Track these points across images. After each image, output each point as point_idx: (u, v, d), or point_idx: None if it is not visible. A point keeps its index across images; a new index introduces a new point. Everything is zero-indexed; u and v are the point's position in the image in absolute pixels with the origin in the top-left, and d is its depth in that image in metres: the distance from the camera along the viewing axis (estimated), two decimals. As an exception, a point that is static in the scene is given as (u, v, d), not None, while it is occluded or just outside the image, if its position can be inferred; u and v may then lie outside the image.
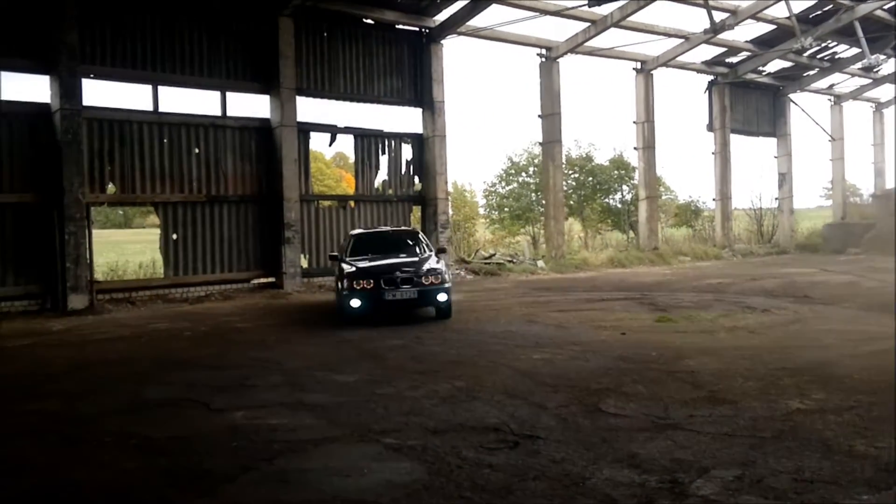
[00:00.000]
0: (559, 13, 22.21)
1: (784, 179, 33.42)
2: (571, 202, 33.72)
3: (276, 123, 18.77)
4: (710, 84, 30.42)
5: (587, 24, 23.45)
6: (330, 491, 4.83)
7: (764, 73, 31.29)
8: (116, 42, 16.69)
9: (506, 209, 35.55)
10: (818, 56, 30.45)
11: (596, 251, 28.12)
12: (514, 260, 24.19)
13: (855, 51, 28.85)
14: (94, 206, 16.66)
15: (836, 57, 30.72)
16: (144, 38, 17.06)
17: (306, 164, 19.81)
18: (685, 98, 71.77)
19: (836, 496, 4.50)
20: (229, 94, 18.54)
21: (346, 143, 21.09)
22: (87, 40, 16.21)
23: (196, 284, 17.67)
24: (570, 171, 34.18)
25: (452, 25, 21.29)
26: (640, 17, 23.46)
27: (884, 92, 35.73)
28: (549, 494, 4.67)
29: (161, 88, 17.49)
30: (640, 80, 27.65)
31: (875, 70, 30.56)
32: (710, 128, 30.66)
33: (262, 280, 18.79)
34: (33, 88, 16.08)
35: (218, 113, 18.39)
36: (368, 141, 20.97)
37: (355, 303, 12.23)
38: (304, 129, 19.47)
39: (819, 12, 25.76)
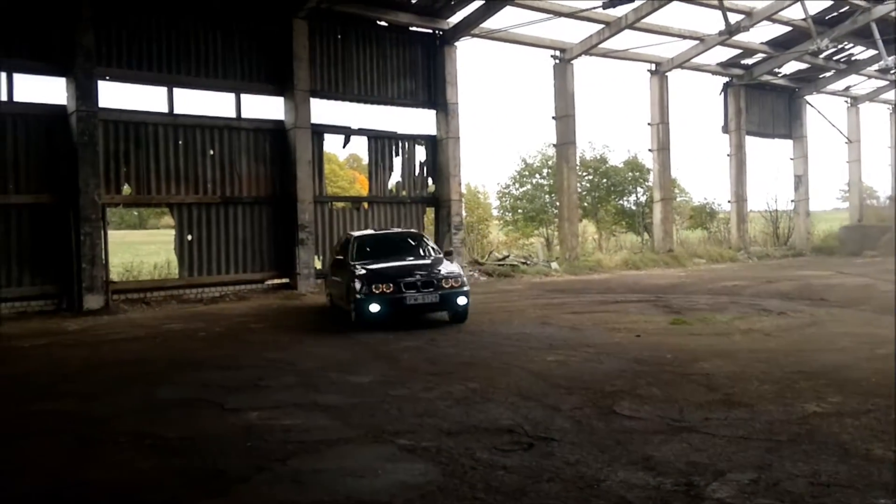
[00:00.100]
0: (573, 15, 22.14)
1: (800, 181, 33.22)
2: (585, 204, 33.63)
3: (290, 125, 18.83)
4: (726, 86, 30.28)
5: (601, 25, 23.40)
6: (344, 492, 4.82)
7: (780, 75, 31.13)
8: (132, 44, 16.80)
9: (519, 211, 35.48)
10: (834, 58, 30.27)
11: (610, 253, 28.01)
12: (528, 262, 24.14)
13: (871, 52, 28.62)
14: (109, 206, 16.75)
15: (853, 59, 30.53)
16: (159, 41, 17.17)
17: (320, 166, 19.86)
18: (700, 100, 71.57)
19: (853, 500, 4.45)
20: (244, 96, 18.63)
21: (359, 145, 21.24)
22: (103, 42, 16.32)
23: (210, 285, 17.75)
24: (585, 173, 34.08)
25: (466, 27, 21.29)
26: (654, 19, 23.39)
27: (901, 94, 35.46)
28: (564, 496, 4.65)
29: (176, 90, 17.59)
30: (654, 81, 27.56)
31: (892, 72, 30.26)
32: (726, 130, 30.51)
33: (276, 281, 18.86)
34: (50, 90, 16.17)
35: (232, 115, 18.48)
36: (382, 142, 21.00)
37: (374, 307, 11.78)
38: (318, 131, 19.52)
39: (835, 14, 25.63)
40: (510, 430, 6.08)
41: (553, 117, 24.97)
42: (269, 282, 18.78)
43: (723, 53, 28.17)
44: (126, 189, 16.97)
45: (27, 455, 5.90)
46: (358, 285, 11.98)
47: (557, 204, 27.71)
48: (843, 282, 18.76)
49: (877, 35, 24.74)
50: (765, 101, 31.80)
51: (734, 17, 23.24)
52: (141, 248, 29.57)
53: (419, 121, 22.06)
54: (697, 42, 25.92)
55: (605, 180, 34.71)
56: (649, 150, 28.38)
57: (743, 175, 30.40)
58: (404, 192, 21.38)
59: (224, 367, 9.37)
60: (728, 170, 30.63)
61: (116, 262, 18.89)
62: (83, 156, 15.68)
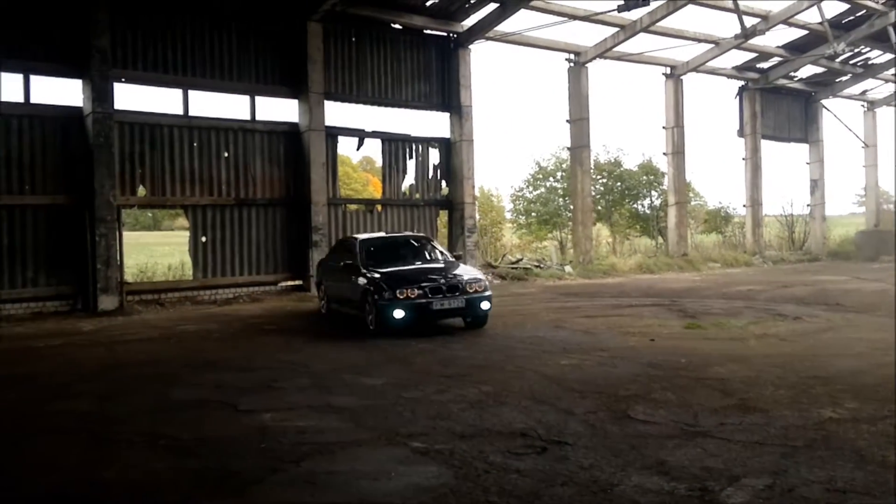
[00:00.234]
0: (588, 18, 22.10)
1: (816, 186, 33.04)
2: (599, 207, 33.58)
3: (304, 127, 18.88)
4: (741, 89, 30.16)
5: (616, 28, 23.36)
6: (357, 494, 4.83)
7: (795, 79, 30.97)
8: (147, 46, 16.89)
9: (533, 214, 35.45)
10: (851, 62, 30.09)
11: (624, 257, 27.92)
12: (542, 265, 24.09)
13: (888, 56, 28.41)
14: (124, 208, 16.85)
15: (870, 63, 30.32)
16: (175, 43, 17.26)
17: (334, 168, 19.90)
18: (715, 103, 71.32)
19: (871, 507, 4.43)
20: (258, 98, 18.68)
21: (373, 147, 21.21)
22: (119, 45, 16.42)
23: (224, 287, 17.81)
24: (599, 176, 34.04)
25: (480, 30, 21.29)
26: (669, 23, 23.32)
27: (918, 98, 35.19)
28: (577, 500, 4.63)
29: (191, 92, 17.67)
30: (669, 85, 27.48)
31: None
32: (741, 133, 30.39)
33: (290, 283, 18.90)
34: (66, 92, 16.28)
35: (247, 117, 18.54)
36: (396, 145, 21.02)
37: (399, 313, 11.34)
38: (332, 134, 19.56)
39: (852, 17, 25.46)
40: (523, 433, 6.07)
41: (567, 120, 24.94)
42: (283, 284, 18.82)
43: (738, 57, 28.07)
44: (141, 190, 17.05)
45: (43, 454, 5.94)
46: (380, 291, 11.57)
47: (571, 207, 27.66)
48: (859, 287, 18.63)
49: (894, 39, 24.62)
50: (781, 105, 31.66)
51: (750, 21, 23.18)
52: (155, 250, 29.74)
53: (433, 123, 22.12)
54: (713, 45, 25.83)
55: (619, 184, 34.66)
56: (664, 153, 28.30)
57: (758, 179, 30.27)
58: (418, 195, 21.39)
59: (238, 368, 9.39)
60: (743, 174, 30.50)
61: (131, 264, 19.00)
62: (99, 157, 15.77)
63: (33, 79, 15.76)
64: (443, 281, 11.76)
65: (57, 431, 6.58)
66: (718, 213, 36.20)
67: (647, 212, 34.50)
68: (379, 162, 21.94)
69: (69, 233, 15.85)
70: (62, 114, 16.05)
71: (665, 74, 27.48)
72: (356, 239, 13.76)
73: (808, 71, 30.60)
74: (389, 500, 4.73)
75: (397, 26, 20.60)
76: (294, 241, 18.84)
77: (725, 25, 43.64)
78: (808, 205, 33.43)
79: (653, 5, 21.15)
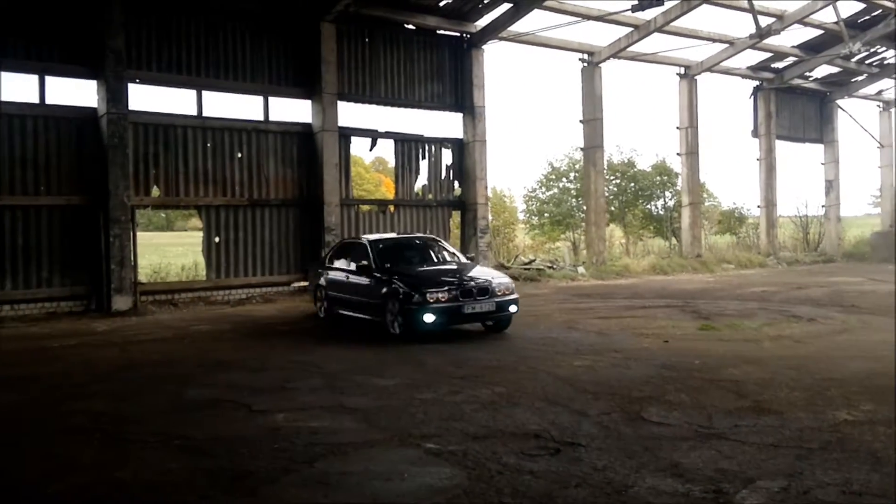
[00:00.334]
0: (602, 18, 22.04)
1: (831, 186, 32.84)
2: (613, 208, 33.48)
3: (317, 128, 18.91)
4: (756, 89, 30.01)
5: (630, 28, 23.29)
6: (370, 494, 4.83)
7: (811, 79, 30.80)
8: (161, 47, 16.96)
9: (546, 214, 35.40)
10: (866, 61, 29.88)
11: (637, 258, 27.83)
12: (554, 266, 24.04)
13: (905, 56, 28.27)
14: (138, 208, 16.92)
15: (885, 62, 30.09)
16: (189, 44, 17.32)
17: (347, 169, 19.92)
18: (730, 103, 71.01)
19: (888, 510, 4.39)
20: (272, 99, 18.72)
21: (386, 148, 21.20)
22: (133, 45, 16.49)
23: (237, 287, 17.85)
24: (612, 177, 33.94)
25: (494, 31, 21.27)
26: (683, 22, 23.23)
27: (935, 98, 34.91)
28: (591, 502, 4.62)
29: (205, 93, 17.72)
30: (683, 85, 27.38)
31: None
32: (756, 134, 30.24)
33: (302, 284, 18.89)
34: (81, 93, 16.36)
35: (260, 117, 18.59)
36: (409, 146, 21.02)
37: (429, 318, 10.95)
38: (346, 134, 19.58)
39: (867, 17, 25.27)
40: (537, 434, 6.06)
41: (580, 121, 24.88)
42: (296, 284, 18.83)
43: (753, 57, 27.94)
44: (155, 191, 17.11)
45: (58, 454, 5.96)
46: (407, 294, 11.14)
47: (584, 208, 27.60)
48: (874, 288, 18.50)
49: (910, 38, 24.41)
50: (795, 105, 31.49)
51: (765, 21, 23.05)
52: (168, 250, 29.87)
53: (446, 124, 22.07)
54: (727, 45, 25.71)
55: (632, 184, 34.57)
56: (678, 153, 28.19)
57: (773, 180, 30.11)
58: (430, 196, 21.39)
59: (251, 368, 9.42)
60: (758, 174, 30.35)
61: (144, 264, 19.09)
62: (113, 158, 15.85)
63: (48, 80, 15.83)
64: (473, 283, 11.40)
65: (73, 431, 6.61)
66: (732, 214, 36.06)
67: (661, 213, 34.40)
68: (391, 162, 21.98)
69: (83, 233, 15.94)
70: (77, 114, 16.14)
71: (679, 74, 27.38)
72: (366, 240, 13.32)
73: (823, 71, 30.43)
74: (402, 501, 4.73)
75: (410, 27, 20.61)
76: (307, 241, 18.86)
77: (740, 25, 43.50)
78: (822, 205, 33.22)
79: (667, 5, 21.05)
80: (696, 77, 27.25)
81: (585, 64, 24.61)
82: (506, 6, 20.59)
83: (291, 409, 7.14)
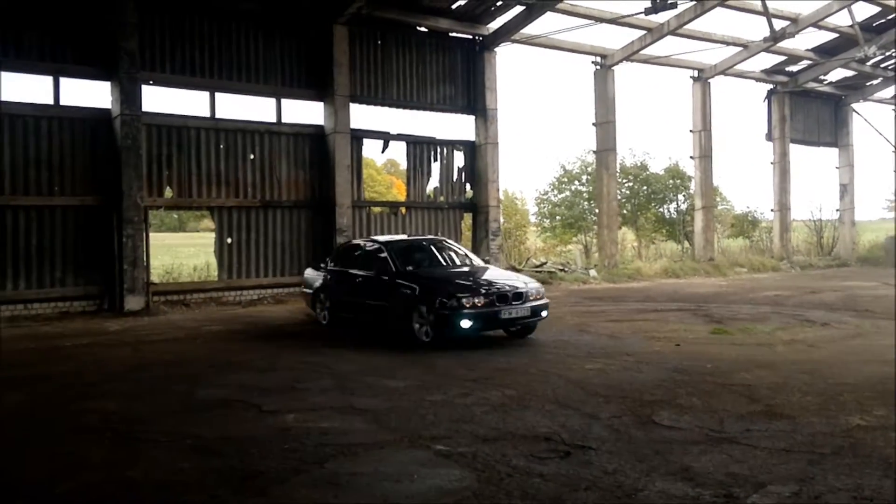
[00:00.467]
0: (615, 21, 22.01)
1: (845, 190, 32.65)
2: (625, 211, 33.36)
3: (329, 130, 18.95)
4: (770, 93, 29.89)
5: (643, 31, 23.24)
6: (380, 495, 4.83)
7: (825, 83, 30.65)
8: (175, 49, 17.04)
9: (558, 217, 35.32)
10: (882, 65, 29.70)
11: (650, 261, 27.76)
12: (566, 269, 24.01)
13: (920, 59, 28.09)
14: (151, 209, 16.99)
15: (901, 66, 29.95)
16: (202, 46, 17.40)
17: (359, 171, 19.95)
18: (743, 107, 70.82)
19: (901, 516, 4.35)
20: (284, 101, 18.78)
21: (397, 150, 21.19)
22: (147, 47, 16.58)
23: (249, 288, 17.91)
24: (624, 180, 33.84)
25: (506, 33, 21.26)
26: (697, 25, 23.16)
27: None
28: (601, 506, 4.60)
29: (218, 95, 17.80)
30: (697, 88, 27.29)
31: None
32: (769, 137, 30.11)
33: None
34: (95, 94, 16.46)
35: (273, 119, 18.64)
36: (421, 148, 21.03)
37: (466, 323, 10.48)
38: (357, 136, 19.60)
39: (883, 20, 25.14)
40: (547, 437, 6.04)
41: (593, 123, 24.84)
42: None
43: (767, 60, 27.83)
44: (168, 192, 17.19)
45: (69, 453, 5.99)
46: (441, 298, 10.64)
47: (596, 211, 27.54)
48: (888, 293, 18.34)
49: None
50: (810, 109, 31.34)
51: (779, 24, 22.94)
52: (180, 251, 29.96)
53: (458, 126, 22.08)
54: (741, 49, 25.62)
55: (645, 187, 34.44)
56: (691, 157, 28.10)
57: (787, 183, 29.99)
58: (442, 198, 21.40)
59: (261, 369, 9.44)
60: (771, 178, 30.22)
61: (156, 265, 19.14)
62: (126, 159, 15.92)
63: (63, 81, 15.95)
64: (508, 288, 11.04)
65: (84, 430, 6.64)
66: (746, 218, 35.86)
67: (674, 216, 34.25)
68: (403, 164, 21.99)
69: (97, 234, 16.02)
70: (91, 116, 16.23)
71: (692, 77, 27.28)
72: (380, 241, 12.94)
73: (837, 74, 30.28)
74: (412, 503, 4.72)
75: (423, 29, 20.63)
76: (319, 243, 18.89)
77: (754, 28, 43.32)
78: (837, 209, 33.03)
79: (680, 8, 21.01)
80: (710, 80, 27.16)
81: (598, 67, 24.57)
82: (518, 9, 20.58)
83: (302, 409, 7.15)
